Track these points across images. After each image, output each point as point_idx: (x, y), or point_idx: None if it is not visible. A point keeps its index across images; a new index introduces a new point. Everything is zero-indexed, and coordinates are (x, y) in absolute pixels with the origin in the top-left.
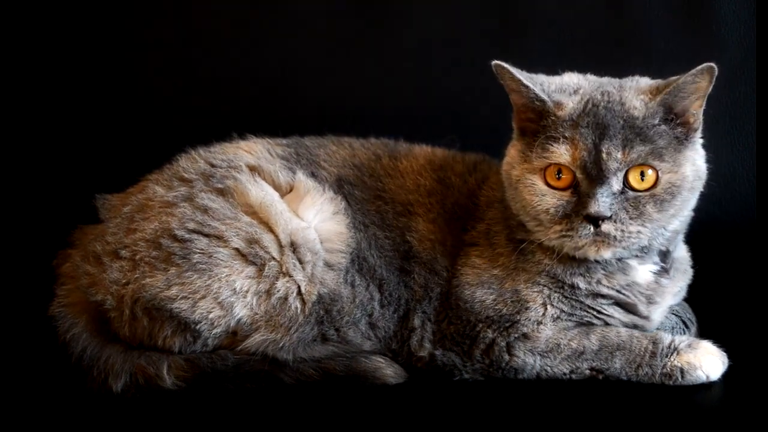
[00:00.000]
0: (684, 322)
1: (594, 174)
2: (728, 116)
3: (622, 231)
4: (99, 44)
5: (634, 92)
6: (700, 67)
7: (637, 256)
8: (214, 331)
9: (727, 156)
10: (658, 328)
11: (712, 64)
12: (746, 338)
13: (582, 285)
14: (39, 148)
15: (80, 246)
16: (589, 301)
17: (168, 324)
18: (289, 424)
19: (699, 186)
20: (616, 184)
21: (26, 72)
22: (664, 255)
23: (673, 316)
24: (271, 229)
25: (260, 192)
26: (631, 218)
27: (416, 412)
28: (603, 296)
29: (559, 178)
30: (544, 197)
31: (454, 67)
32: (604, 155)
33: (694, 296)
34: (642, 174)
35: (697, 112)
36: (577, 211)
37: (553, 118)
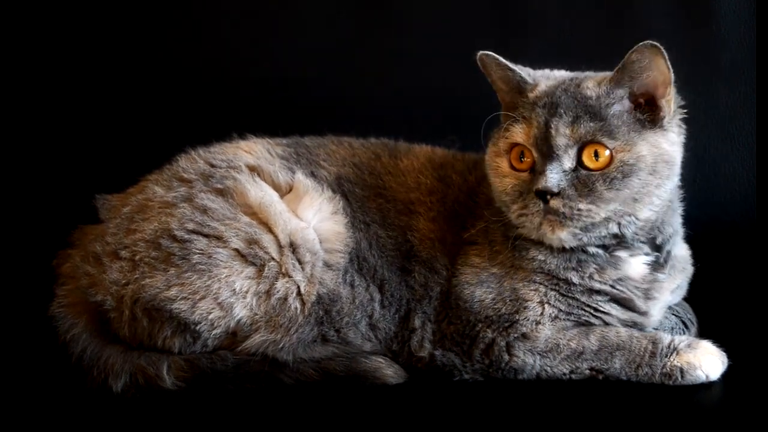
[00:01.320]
0: (684, 323)
1: (545, 151)
2: (728, 116)
3: (571, 208)
4: (99, 44)
5: (596, 78)
6: (638, 44)
7: (618, 245)
8: (214, 332)
9: (727, 156)
10: (656, 328)
11: (650, 42)
12: (746, 338)
13: (575, 280)
14: (39, 148)
15: (80, 246)
16: (585, 298)
17: (168, 324)
18: (289, 425)
19: (665, 171)
20: (567, 161)
21: (26, 72)
22: (657, 247)
23: (673, 316)
24: (271, 230)
25: (259, 192)
26: (580, 196)
27: (416, 412)
28: (597, 292)
29: (522, 161)
30: (505, 178)
31: (454, 67)
32: (552, 131)
33: (694, 296)
34: (596, 153)
35: (664, 98)
36: (530, 188)
37: (523, 99)
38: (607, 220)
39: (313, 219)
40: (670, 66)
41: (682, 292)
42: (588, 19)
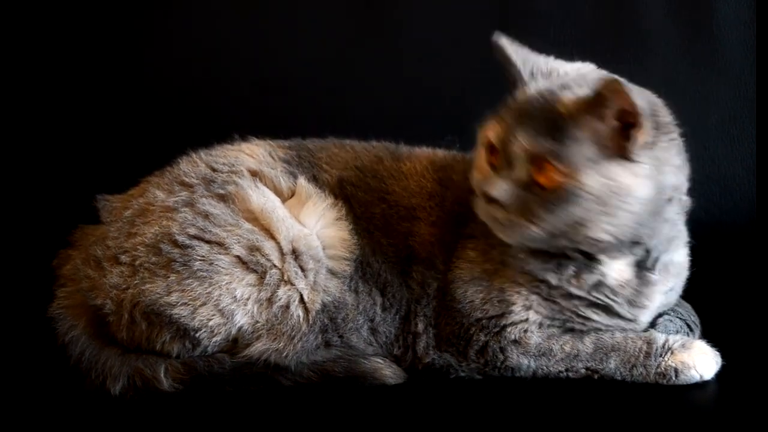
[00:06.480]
0: (688, 325)
1: (505, 156)
2: (728, 116)
3: (509, 220)
4: (100, 44)
5: (584, 91)
6: (603, 78)
7: (584, 253)
8: (214, 339)
9: (727, 156)
10: (661, 331)
11: (612, 77)
12: (744, 338)
13: (554, 282)
14: (39, 148)
15: (81, 247)
16: (565, 303)
17: (167, 330)
18: (288, 425)
19: (619, 204)
20: (521, 172)
21: (26, 72)
22: (646, 251)
23: (678, 319)
24: (273, 236)
25: (261, 198)
26: (518, 210)
27: (415, 412)
28: (577, 297)
29: (494, 156)
30: (475, 171)
31: (453, 68)
32: (512, 137)
33: (694, 296)
34: (546, 171)
35: (637, 130)
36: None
37: (512, 96)
38: (553, 236)
39: (316, 225)
40: (636, 102)
41: (677, 294)
42: (588, 19)
